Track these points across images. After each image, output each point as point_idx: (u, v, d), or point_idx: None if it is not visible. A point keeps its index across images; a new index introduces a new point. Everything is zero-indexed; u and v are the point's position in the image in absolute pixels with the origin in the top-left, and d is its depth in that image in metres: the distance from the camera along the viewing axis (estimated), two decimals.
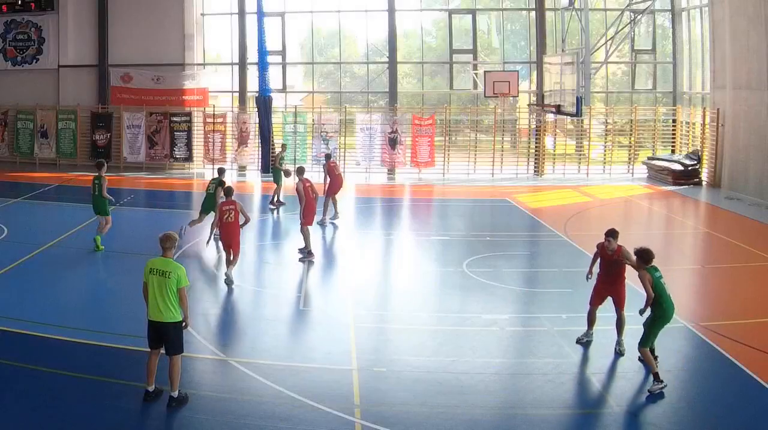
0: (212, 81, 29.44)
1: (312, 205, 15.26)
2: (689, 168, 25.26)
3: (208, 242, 15.37)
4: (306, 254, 14.90)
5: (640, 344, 9.23)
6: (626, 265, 10.22)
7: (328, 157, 19.81)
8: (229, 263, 13.11)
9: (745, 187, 22.42)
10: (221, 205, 13.45)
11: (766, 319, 11.36)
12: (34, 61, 29.42)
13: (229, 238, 13.17)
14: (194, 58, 29.25)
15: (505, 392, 8.95)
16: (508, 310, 12.05)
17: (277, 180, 20.89)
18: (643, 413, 8.17)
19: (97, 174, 15.64)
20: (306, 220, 15.08)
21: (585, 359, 9.72)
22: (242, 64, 29.06)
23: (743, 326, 10.91)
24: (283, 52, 29.32)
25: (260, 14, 27.30)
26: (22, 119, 29.22)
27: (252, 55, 28.49)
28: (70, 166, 28.39)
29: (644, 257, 9.49)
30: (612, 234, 10.37)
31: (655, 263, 9.25)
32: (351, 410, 8.25)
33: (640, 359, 9.42)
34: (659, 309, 9.23)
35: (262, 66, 27.25)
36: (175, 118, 28.50)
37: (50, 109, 29.11)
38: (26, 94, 29.09)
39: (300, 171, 15.65)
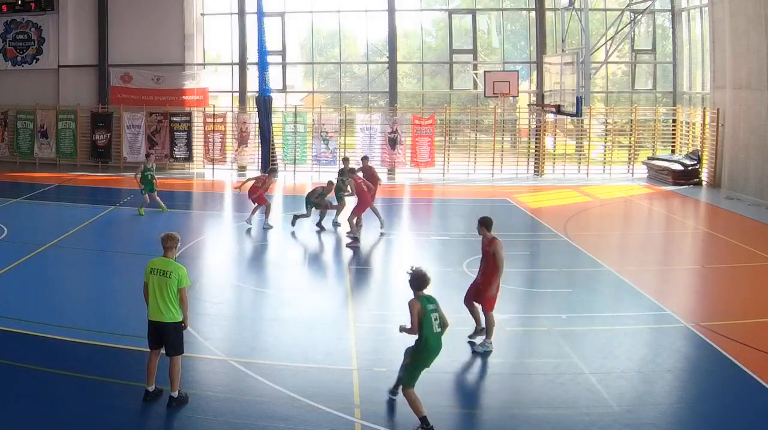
0: (212, 81, 29.45)
1: (365, 197, 16.58)
2: (689, 168, 25.27)
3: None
4: (353, 240, 16.24)
5: (402, 384, 7.89)
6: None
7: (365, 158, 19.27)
8: (267, 214, 17.90)
9: (745, 187, 22.42)
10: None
11: (766, 319, 11.35)
12: (34, 61, 29.44)
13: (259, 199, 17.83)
14: (194, 58, 29.26)
15: (505, 392, 8.95)
16: (508, 310, 12.04)
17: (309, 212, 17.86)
18: (643, 413, 8.16)
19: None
20: (358, 208, 16.57)
21: (585, 359, 9.72)
22: (242, 64, 29.08)
23: (743, 326, 10.91)
24: (283, 52, 29.34)
25: (260, 14, 27.34)
26: (22, 119, 29.23)
27: (252, 55, 28.52)
28: (70, 166, 28.40)
29: (413, 282, 8.05)
30: (483, 222, 9.84)
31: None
32: (351, 410, 8.25)
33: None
34: (422, 347, 7.86)
35: (262, 66, 27.28)
36: (175, 118, 28.51)
37: (50, 109, 29.12)
38: (26, 94, 29.11)
39: (351, 171, 17.49)
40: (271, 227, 17.72)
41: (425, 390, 8.80)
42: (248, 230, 17.66)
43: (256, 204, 17.92)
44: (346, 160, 19.46)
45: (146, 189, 19.77)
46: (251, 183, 18.09)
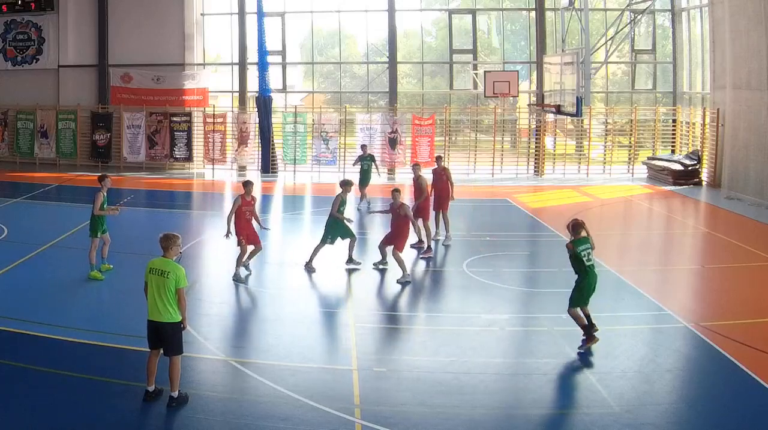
0: (212, 81, 29.45)
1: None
2: (689, 168, 25.27)
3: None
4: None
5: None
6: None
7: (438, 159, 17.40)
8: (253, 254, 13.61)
9: (745, 187, 22.42)
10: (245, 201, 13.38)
11: (766, 319, 11.35)
12: (34, 61, 29.43)
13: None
14: (194, 58, 29.25)
15: (505, 392, 8.94)
16: (508, 310, 12.05)
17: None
18: (643, 413, 8.16)
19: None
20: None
21: (585, 359, 9.72)
22: (242, 64, 29.07)
23: (743, 326, 10.91)
24: (283, 52, 29.34)
25: (260, 14, 27.35)
26: (22, 119, 29.22)
27: (252, 55, 28.52)
28: (70, 166, 28.41)
29: (342, 184, 14.32)
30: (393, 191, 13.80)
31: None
32: (351, 410, 8.25)
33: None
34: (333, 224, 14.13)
35: (262, 66, 27.28)
36: (175, 118, 28.50)
37: (50, 109, 29.12)
38: (26, 94, 29.09)
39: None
40: (249, 274, 13.59)
41: (425, 390, 8.82)
42: (239, 284, 13.23)
43: (244, 243, 13.24)
44: (363, 146, 21.22)
45: (100, 229, 13.36)
46: (235, 208, 13.24)
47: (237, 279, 13.17)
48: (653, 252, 16.57)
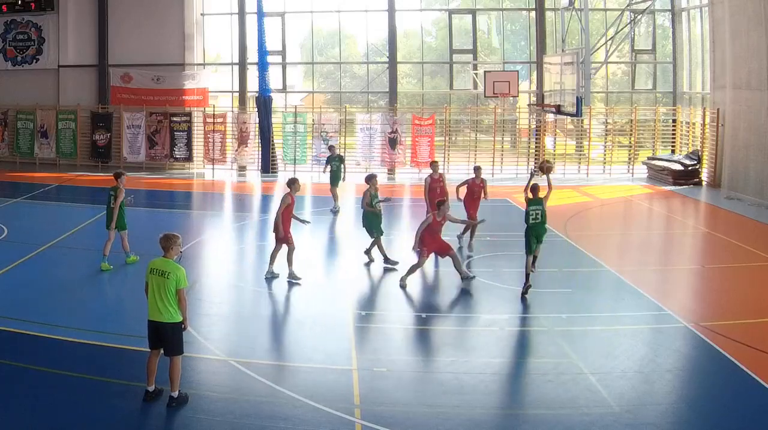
0: (212, 81, 29.45)
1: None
2: (689, 168, 25.27)
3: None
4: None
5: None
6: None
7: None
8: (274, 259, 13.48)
9: (745, 187, 22.41)
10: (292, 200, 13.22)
11: (766, 319, 11.35)
12: (34, 61, 29.42)
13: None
14: (194, 58, 29.26)
15: (505, 392, 8.95)
16: (508, 310, 12.05)
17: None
18: (643, 413, 8.16)
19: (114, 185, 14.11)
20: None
21: (585, 359, 9.72)
22: (242, 64, 29.08)
23: (743, 326, 10.91)
24: (283, 52, 29.34)
25: (260, 14, 27.35)
26: (22, 119, 29.22)
27: (252, 55, 28.53)
28: (70, 166, 28.41)
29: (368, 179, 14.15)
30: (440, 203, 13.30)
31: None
32: (351, 410, 8.25)
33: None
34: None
35: (262, 66, 27.28)
36: (175, 118, 28.50)
37: (50, 109, 29.12)
38: (26, 94, 29.08)
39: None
40: (276, 277, 13.38)
41: (425, 389, 8.83)
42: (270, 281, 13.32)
43: (281, 245, 13.20)
44: (332, 148, 21.47)
45: (119, 224, 14.07)
46: (282, 208, 13.08)
47: (292, 277, 13.10)
48: (653, 252, 16.57)
